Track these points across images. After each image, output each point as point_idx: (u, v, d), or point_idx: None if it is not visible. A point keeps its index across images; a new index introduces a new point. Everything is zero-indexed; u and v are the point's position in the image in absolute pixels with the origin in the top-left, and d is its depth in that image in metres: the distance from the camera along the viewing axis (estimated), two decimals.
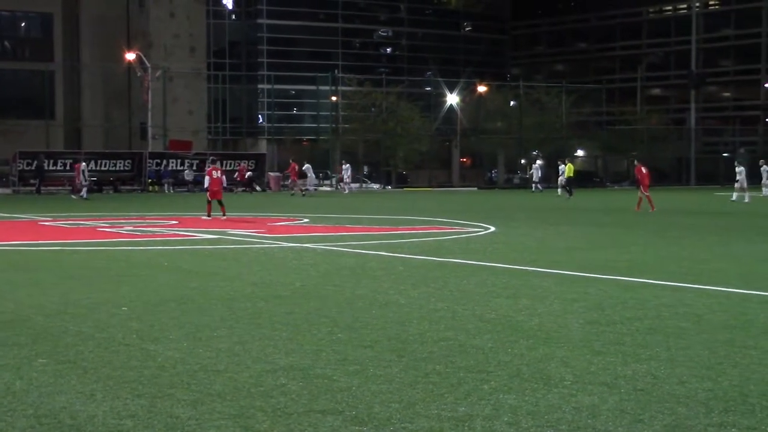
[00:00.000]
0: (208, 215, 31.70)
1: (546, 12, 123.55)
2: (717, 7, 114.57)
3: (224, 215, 31.66)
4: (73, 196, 49.71)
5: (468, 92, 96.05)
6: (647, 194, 38.73)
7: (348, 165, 71.52)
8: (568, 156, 58.72)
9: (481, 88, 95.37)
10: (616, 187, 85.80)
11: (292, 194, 57.46)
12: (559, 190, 53.27)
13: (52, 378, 8.22)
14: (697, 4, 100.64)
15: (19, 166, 66.80)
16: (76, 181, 48.24)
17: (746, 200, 45.94)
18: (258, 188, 70.58)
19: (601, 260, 18.64)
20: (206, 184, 32.27)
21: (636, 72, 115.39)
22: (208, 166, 34.39)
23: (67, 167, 65.59)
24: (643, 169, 39.72)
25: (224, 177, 33.48)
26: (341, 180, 70.80)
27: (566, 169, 53.88)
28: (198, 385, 7.95)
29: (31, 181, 65.79)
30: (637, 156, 66.48)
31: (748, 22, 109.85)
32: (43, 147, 72.76)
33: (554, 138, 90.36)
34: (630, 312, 11.91)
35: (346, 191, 62.87)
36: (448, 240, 24.36)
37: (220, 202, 31.88)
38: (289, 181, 62.62)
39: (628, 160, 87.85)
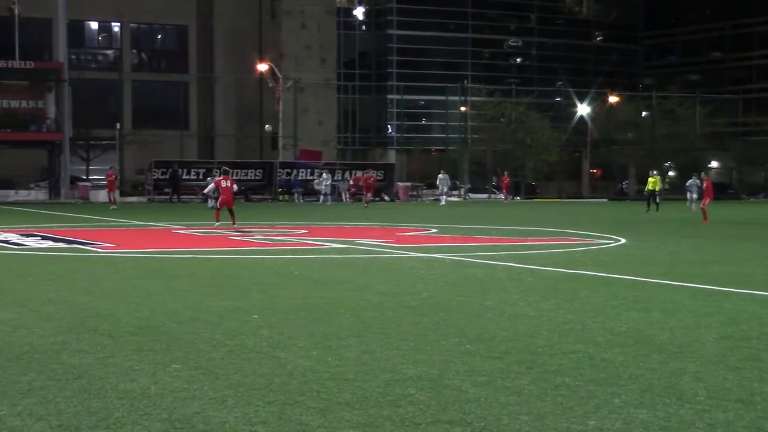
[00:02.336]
0: (217, 220, 32.87)
1: (680, 21, 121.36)
2: None
3: (234, 223, 32.41)
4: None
5: (599, 103, 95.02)
6: None
7: (446, 176, 68.19)
8: (702, 169, 55.69)
9: (612, 99, 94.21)
10: (751, 200, 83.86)
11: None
12: (692, 204, 50.08)
13: (185, 383, 8.37)
14: None
15: (154, 175, 68.37)
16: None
17: None
18: (387, 198, 70.89)
19: (736, 274, 18.23)
20: (212, 192, 34.85)
21: None
22: (218, 176, 35.40)
23: (200, 176, 66.94)
24: None
25: (235, 186, 35.04)
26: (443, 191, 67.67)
27: (650, 182, 51.43)
28: (327, 393, 8.00)
29: (166, 190, 67.27)
30: None
31: None
32: (178, 156, 74.30)
33: (687, 149, 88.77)
34: (767, 327, 11.62)
35: (443, 202, 61.50)
36: (578, 252, 24.10)
37: (231, 211, 32.95)
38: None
39: (766, 172, 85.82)
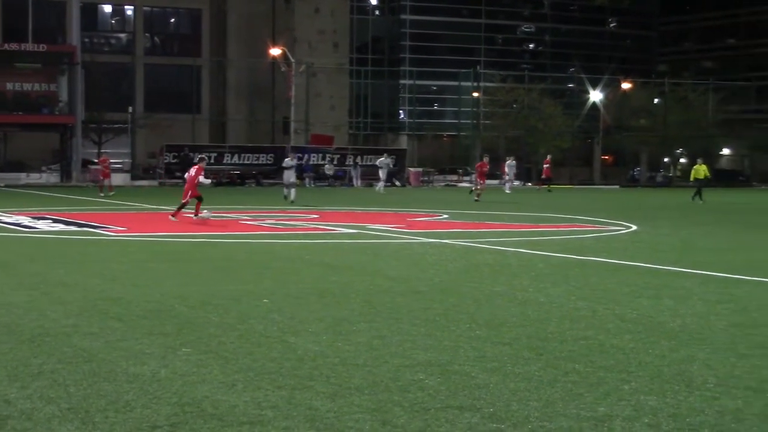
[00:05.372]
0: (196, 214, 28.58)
1: (695, 7, 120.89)
2: None
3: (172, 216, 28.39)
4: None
5: (612, 89, 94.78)
6: None
7: (513, 162, 64.49)
8: (701, 157, 52.09)
9: (626, 85, 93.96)
10: (763, 187, 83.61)
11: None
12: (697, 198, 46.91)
13: (195, 367, 8.39)
14: None
15: (166, 159, 68.41)
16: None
17: None
18: (398, 183, 70.83)
19: (748, 261, 18.20)
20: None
21: None
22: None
23: (212, 160, 66.98)
24: None
25: (201, 176, 28.78)
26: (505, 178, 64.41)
27: (699, 170, 48.04)
28: (337, 378, 8.01)
29: (177, 174, 67.30)
30: None
31: None
32: (189, 141, 74.34)
33: (700, 136, 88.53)
34: None
35: (507, 189, 59.42)
36: (590, 238, 24.07)
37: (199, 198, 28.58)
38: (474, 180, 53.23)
39: None
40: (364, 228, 25.81)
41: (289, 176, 41.18)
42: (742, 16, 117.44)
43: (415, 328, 10.40)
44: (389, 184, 63.51)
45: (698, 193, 46.08)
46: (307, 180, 69.25)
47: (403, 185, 71.19)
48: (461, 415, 6.96)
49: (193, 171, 28.80)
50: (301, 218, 29.78)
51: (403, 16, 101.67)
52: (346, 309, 11.67)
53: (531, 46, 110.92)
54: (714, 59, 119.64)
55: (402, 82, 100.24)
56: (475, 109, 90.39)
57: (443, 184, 77.61)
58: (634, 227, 27.40)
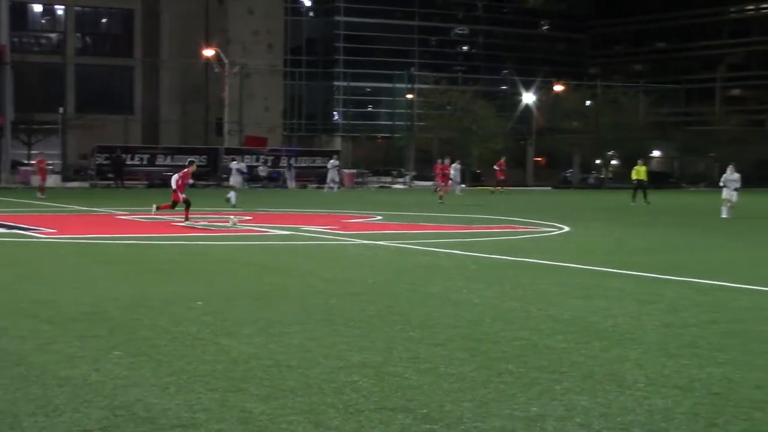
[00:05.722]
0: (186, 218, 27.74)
1: (626, 11, 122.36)
2: None
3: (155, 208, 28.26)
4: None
5: (544, 91, 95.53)
6: None
7: (458, 165, 62.66)
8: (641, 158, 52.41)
9: (558, 88, 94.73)
10: (692, 189, 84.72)
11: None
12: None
13: (127, 371, 8.31)
14: None
15: (97, 160, 67.72)
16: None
17: None
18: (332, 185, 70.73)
19: (678, 262, 18.41)
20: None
21: (716, 72, 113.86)
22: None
23: (144, 162, 66.49)
24: None
25: (174, 177, 28.14)
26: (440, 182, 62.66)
27: (639, 171, 48.52)
28: (270, 381, 7.98)
29: (109, 176, 66.64)
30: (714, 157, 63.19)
31: None
32: (122, 142, 73.68)
33: (631, 138, 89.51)
34: (706, 315, 11.75)
35: (458, 191, 58.85)
36: (523, 239, 24.23)
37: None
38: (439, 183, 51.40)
39: (706, 161, 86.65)
40: (298, 230, 25.74)
41: (237, 180, 40.28)
42: (672, 20, 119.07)
43: (348, 330, 10.39)
44: (330, 186, 63.41)
45: (643, 194, 46.12)
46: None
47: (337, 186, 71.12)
48: (395, 416, 6.97)
49: (177, 176, 27.78)
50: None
51: (337, 18, 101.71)
52: (279, 311, 11.63)
53: (464, 48, 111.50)
54: (644, 62, 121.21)
55: (336, 83, 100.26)
56: (409, 111, 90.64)
57: (377, 185, 77.67)
58: (567, 228, 27.62)
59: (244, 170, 41.46)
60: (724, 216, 34.33)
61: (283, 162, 72.13)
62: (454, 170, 61.70)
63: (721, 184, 35.46)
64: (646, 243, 23.75)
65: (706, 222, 33.30)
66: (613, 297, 13.18)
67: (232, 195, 38.71)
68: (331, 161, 65.79)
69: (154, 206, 28.30)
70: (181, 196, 27.22)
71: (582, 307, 12.25)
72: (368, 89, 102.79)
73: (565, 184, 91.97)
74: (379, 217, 32.65)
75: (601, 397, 7.57)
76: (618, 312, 11.84)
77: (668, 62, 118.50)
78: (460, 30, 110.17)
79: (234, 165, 41.17)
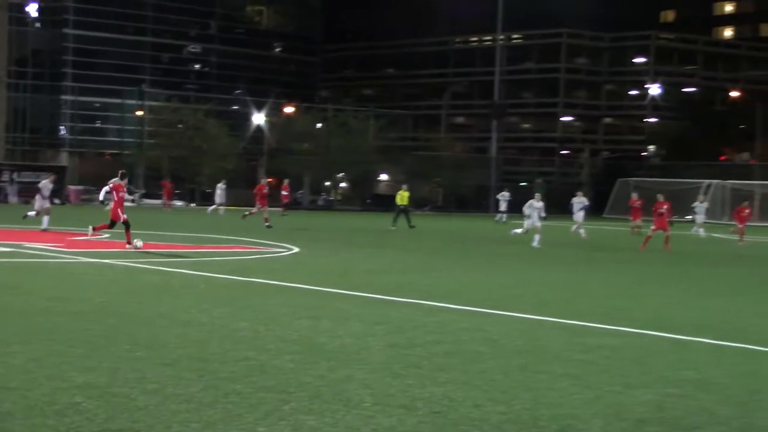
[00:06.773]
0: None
1: (357, 36, 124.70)
2: (520, 41, 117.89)
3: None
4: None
5: (276, 112, 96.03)
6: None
7: (224, 185, 62.93)
8: (373, 180, 53.75)
9: (289, 109, 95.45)
10: (417, 212, 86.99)
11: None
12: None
13: None
14: (501, 37, 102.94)
15: None
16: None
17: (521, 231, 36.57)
18: (57, 201, 68.71)
19: (404, 284, 18.86)
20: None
21: (441, 99, 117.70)
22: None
23: None
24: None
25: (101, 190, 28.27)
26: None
27: (402, 196, 47.96)
28: None
29: None
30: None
31: (548, 57, 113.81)
32: None
33: (360, 161, 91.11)
34: (430, 336, 12.10)
35: (221, 212, 57.01)
36: (252, 260, 24.27)
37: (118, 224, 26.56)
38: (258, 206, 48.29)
39: (431, 185, 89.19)
40: (20, 246, 24.87)
41: (43, 202, 36.71)
42: (398, 48, 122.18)
43: (72, 350, 10.13)
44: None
45: (407, 218, 46.69)
46: None
47: (62, 203, 69.14)
48: None
49: (109, 187, 26.77)
50: None
51: (65, 30, 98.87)
52: None
53: (197, 66, 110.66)
54: (374, 87, 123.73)
55: (63, 97, 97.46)
56: (139, 128, 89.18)
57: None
58: (296, 249, 27.84)
59: (46, 187, 38.67)
60: (535, 245, 33.21)
61: (5, 177, 69.60)
62: (219, 189, 60.79)
63: (526, 212, 34.60)
64: (374, 264, 24.22)
65: (432, 245, 34.26)
66: (340, 318, 13.38)
67: (45, 219, 35.93)
68: (44, 181, 61.91)
69: (90, 227, 27.02)
70: (122, 216, 26.10)
71: (310, 328, 12.38)
72: (97, 104, 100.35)
73: (295, 204, 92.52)
74: (107, 235, 31.91)
75: (328, 417, 7.68)
76: (345, 333, 12.04)
77: (397, 88, 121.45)
78: (193, 48, 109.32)
79: (46, 184, 38.48)
